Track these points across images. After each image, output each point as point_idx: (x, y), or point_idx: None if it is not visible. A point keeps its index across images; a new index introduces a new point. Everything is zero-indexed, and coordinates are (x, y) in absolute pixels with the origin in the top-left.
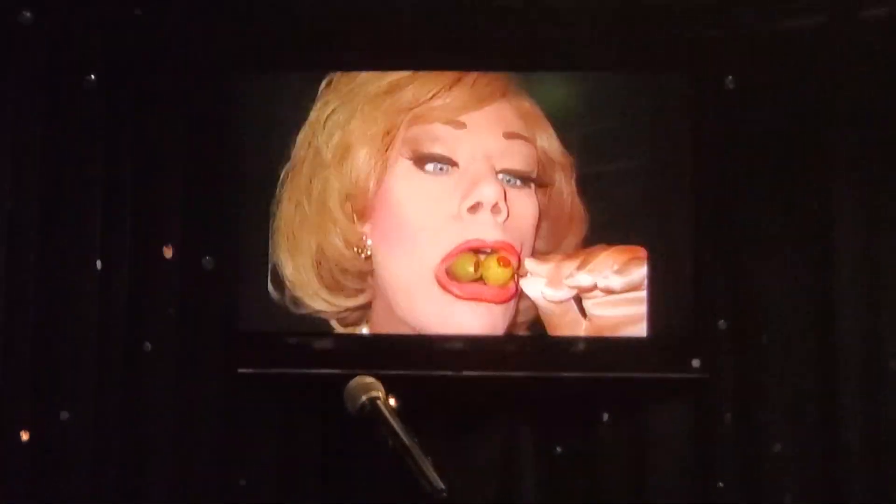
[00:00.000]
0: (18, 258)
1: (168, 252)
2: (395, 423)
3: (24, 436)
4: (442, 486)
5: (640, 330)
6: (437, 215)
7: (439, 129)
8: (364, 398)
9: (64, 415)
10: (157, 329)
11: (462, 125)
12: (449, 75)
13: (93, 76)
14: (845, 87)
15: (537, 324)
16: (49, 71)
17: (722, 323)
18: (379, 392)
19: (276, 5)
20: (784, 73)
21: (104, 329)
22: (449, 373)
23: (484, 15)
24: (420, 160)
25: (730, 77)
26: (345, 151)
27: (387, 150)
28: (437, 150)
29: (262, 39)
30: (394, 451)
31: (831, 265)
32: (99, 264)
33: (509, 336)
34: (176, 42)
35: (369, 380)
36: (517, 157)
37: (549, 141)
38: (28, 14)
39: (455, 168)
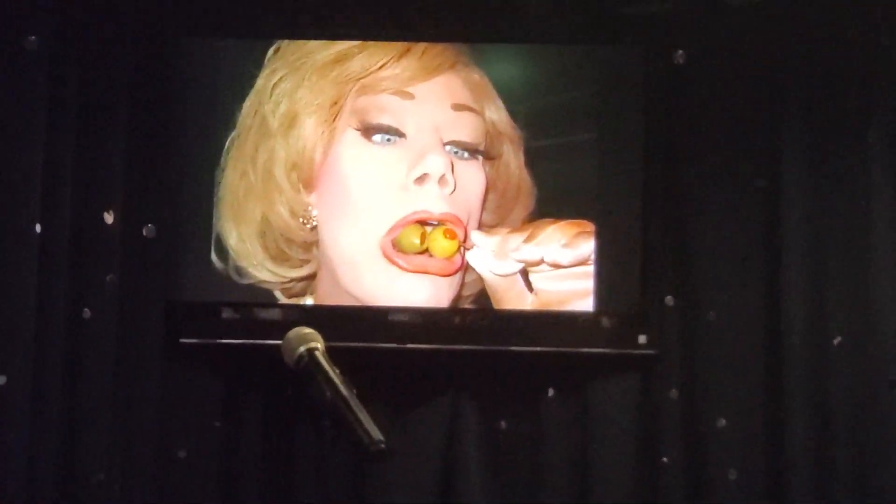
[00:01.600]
0: None
1: (109, 218)
2: (333, 374)
3: None
4: (380, 437)
5: (587, 305)
6: (383, 186)
7: (387, 99)
8: (302, 349)
9: (1, 379)
10: (97, 296)
11: (410, 96)
12: (398, 46)
13: (34, 37)
14: (795, 61)
15: (483, 297)
16: None
17: (669, 299)
18: (317, 343)
19: None
20: (734, 47)
21: (43, 294)
22: (394, 345)
23: None
24: (367, 130)
25: (680, 51)
26: (291, 120)
27: (334, 119)
28: (385, 120)
29: (208, 4)
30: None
31: (778, 242)
32: (39, 228)
33: (455, 309)
34: (120, 5)
35: (307, 330)
36: (465, 128)
37: (497, 113)
38: None
39: (402, 139)
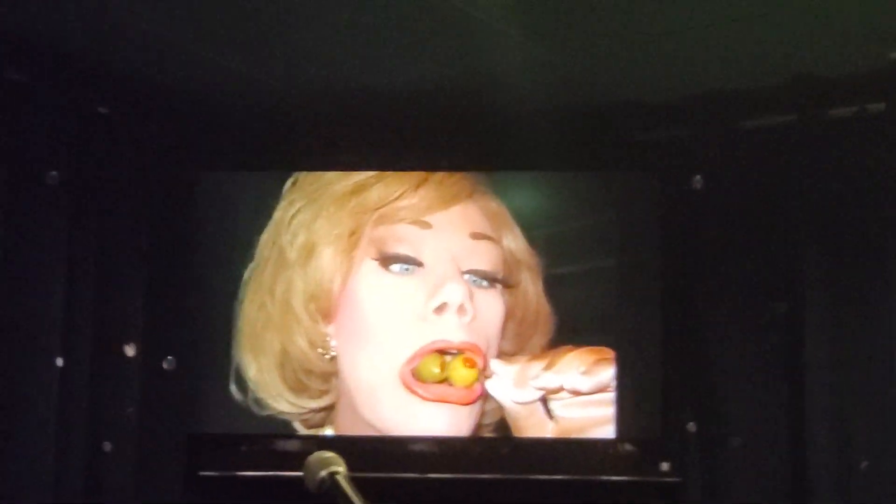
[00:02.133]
0: None
1: (130, 351)
2: (356, 498)
3: None
4: None
5: (608, 432)
6: (402, 316)
7: (405, 229)
8: (324, 473)
9: None
10: (118, 429)
11: (428, 225)
12: (415, 175)
13: (55, 172)
14: (813, 182)
15: (503, 425)
16: (11, 166)
17: (691, 425)
18: (339, 467)
19: (241, 104)
20: (751, 171)
21: (63, 427)
22: (415, 475)
23: (449, 115)
24: (385, 260)
25: (697, 176)
26: (309, 251)
27: (352, 250)
28: (403, 250)
29: (226, 138)
30: None
31: (801, 365)
32: (60, 361)
33: (475, 438)
34: (139, 139)
35: (329, 454)
36: (483, 257)
37: (515, 241)
38: None
39: (421, 268)
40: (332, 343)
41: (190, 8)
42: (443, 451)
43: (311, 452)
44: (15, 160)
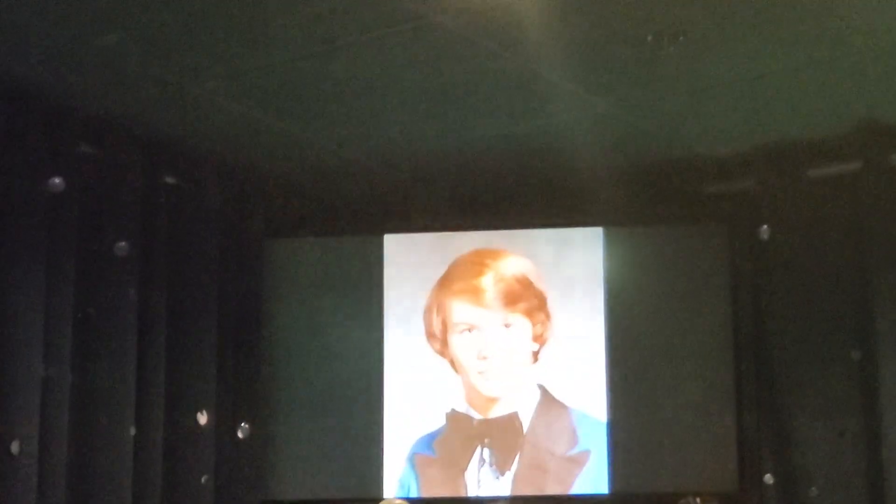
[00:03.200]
0: (53, 424)
1: (202, 419)
2: None
3: None
4: None
5: None
6: None
7: None
8: None
9: None
10: (193, 497)
11: None
12: None
13: (124, 242)
14: (881, 228)
15: None
16: (80, 237)
17: (768, 477)
18: None
19: (311, 170)
20: (819, 219)
21: (139, 496)
22: None
23: (520, 173)
24: None
25: (764, 226)
26: None
27: None
28: None
29: (296, 205)
30: None
31: (877, 413)
32: (133, 431)
33: (558, 496)
34: (208, 209)
35: (397, 501)
36: None
37: None
38: (58, 180)
39: None
40: None
41: (258, 83)
42: None
43: None
44: (84, 232)
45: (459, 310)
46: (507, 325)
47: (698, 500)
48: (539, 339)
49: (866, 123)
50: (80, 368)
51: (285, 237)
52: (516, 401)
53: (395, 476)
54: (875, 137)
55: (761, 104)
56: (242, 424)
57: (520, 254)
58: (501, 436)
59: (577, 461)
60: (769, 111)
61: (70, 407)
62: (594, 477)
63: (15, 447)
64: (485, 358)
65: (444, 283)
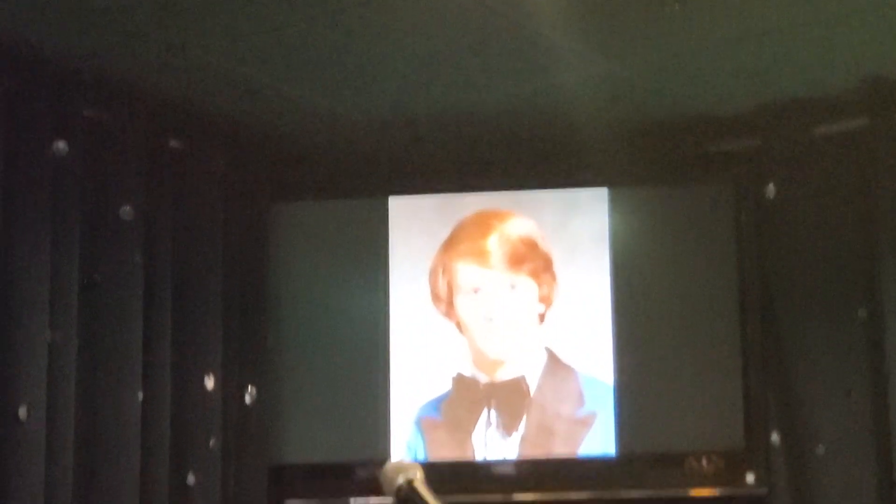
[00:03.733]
0: (60, 388)
1: (210, 383)
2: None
3: None
4: None
5: None
6: None
7: None
8: (401, 479)
9: None
10: (201, 461)
11: None
12: None
13: (128, 207)
14: (888, 187)
15: None
16: (85, 201)
17: (775, 436)
18: (416, 472)
19: (312, 133)
20: (825, 178)
21: (147, 460)
22: (499, 496)
23: (524, 134)
24: None
25: (770, 185)
26: None
27: None
28: None
29: (299, 168)
30: None
31: (884, 371)
32: (140, 396)
33: (558, 458)
34: (212, 172)
35: (406, 462)
36: None
37: None
38: (63, 144)
39: None
40: None
41: (261, 44)
42: (527, 471)
43: None
44: (89, 196)
45: (465, 271)
46: (512, 287)
47: (704, 460)
48: (545, 300)
49: (873, 80)
50: (87, 333)
51: (290, 200)
52: (523, 363)
53: (403, 439)
54: (882, 94)
55: (767, 61)
56: (249, 388)
57: (525, 215)
58: (508, 398)
59: (584, 423)
60: (775, 68)
61: (77, 371)
62: (601, 438)
63: (23, 412)
64: (491, 320)
65: (450, 245)
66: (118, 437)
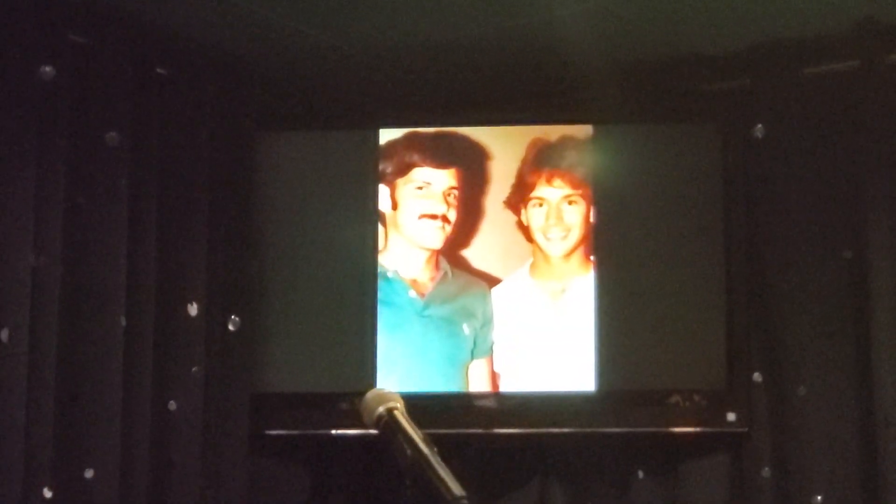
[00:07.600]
0: (42, 312)
1: (193, 310)
2: (413, 433)
3: (48, 493)
4: (462, 492)
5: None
6: None
7: None
8: (381, 409)
9: (88, 473)
10: (183, 388)
11: None
12: None
13: (114, 133)
14: (876, 128)
15: None
16: (70, 127)
17: (757, 375)
18: (397, 402)
19: (298, 62)
20: (813, 118)
21: (129, 387)
22: (480, 430)
23: (511, 68)
24: None
25: (758, 125)
26: None
27: None
28: None
29: (286, 98)
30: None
31: (868, 313)
32: (123, 321)
33: (539, 394)
34: (198, 100)
35: (386, 391)
36: None
37: None
38: (49, 69)
39: None
40: None
41: None
42: (506, 406)
43: None
44: (75, 122)
45: None
46: None
47: (685, 398)
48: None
49: (864, 21)
50: (70, 258)
51: (278, 130)
52: None
53: (387, 370)
54: (873, 35)
55: (759, 1)
56: (233, 317)
57: None
58: None
59: None
60: (765, 8)
61: (60, 296)
62: (581, 374)
63: (4, 335)
64: None
65: None
66: (100, 362)
